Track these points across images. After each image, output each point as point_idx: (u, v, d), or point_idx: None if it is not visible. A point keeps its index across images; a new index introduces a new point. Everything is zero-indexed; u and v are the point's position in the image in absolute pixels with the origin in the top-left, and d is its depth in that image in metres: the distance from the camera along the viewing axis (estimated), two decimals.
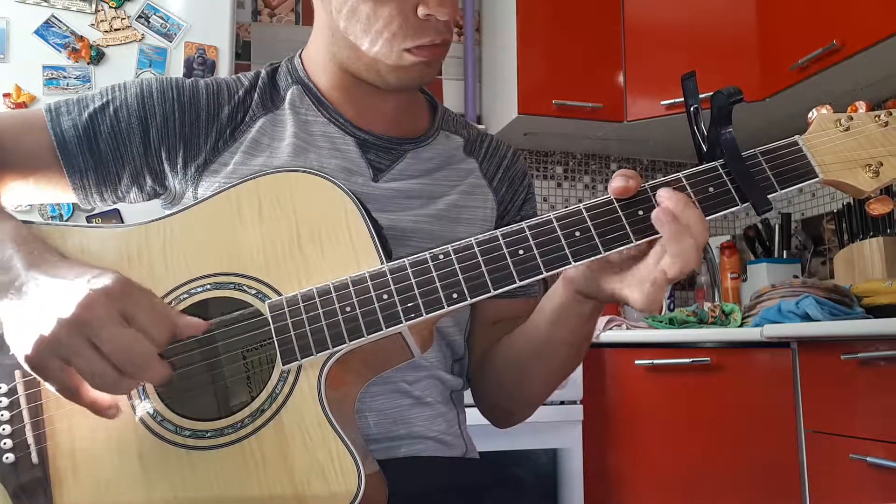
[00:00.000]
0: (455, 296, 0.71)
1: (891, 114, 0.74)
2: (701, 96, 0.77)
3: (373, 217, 0.76)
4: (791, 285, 2.16)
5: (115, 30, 2.23)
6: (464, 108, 3.16)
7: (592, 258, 0.72)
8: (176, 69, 2.26)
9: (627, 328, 2.47)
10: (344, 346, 0.71)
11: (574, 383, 2.37)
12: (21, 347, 0.67)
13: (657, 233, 0.71)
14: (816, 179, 0.73)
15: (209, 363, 0.74)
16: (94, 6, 2.23)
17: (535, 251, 0.72)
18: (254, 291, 0.75)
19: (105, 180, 0.92)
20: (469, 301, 0.71)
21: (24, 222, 0.79)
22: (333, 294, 0.72)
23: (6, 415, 0.74)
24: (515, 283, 0.71)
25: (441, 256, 0.73)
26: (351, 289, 0.72)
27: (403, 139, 0.99)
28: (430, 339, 0.78)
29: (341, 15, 0.90)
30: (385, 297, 0.72)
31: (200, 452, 0.71)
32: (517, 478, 2.29)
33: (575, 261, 0.72)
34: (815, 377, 1.86)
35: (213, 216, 0.79)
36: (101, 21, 2.23)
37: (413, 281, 0.72)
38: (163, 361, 0.68)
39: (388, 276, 0.72)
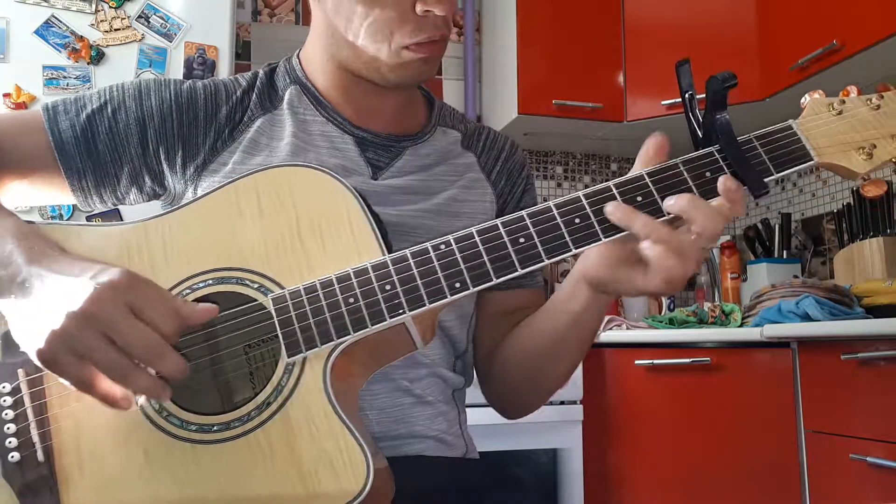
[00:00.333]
0: (458, 285, 0.72)
1: (882, 97, 0.75)
2: (700, 97, 0.77)
3: (373, 209, 0.77)
4: (791, 285, 2.16)
5: (115, 30, 2.23)
6: (464, 109, 3.17)
7: (592, 244, 0.72)
8: (176, 69, 2.26)
9: (627, 328, 2.47)
10: (349, 337, 0.71)
11: (574, 383, 2.36)
12: (32, 343, 0.67)
13: (655, 219, 0.72)
14: (811, 162, 0.74)
15: (214, 357, 0.74)
16: (94, 6, 2.23)
17: (536, 239, 0.72)
18: (256, 285, 0.75)
19: (104, 181, 0.93)
20: (472, 290, 0.72)
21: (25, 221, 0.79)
22: (336, 286, 0.73)
23: (10, 413, 0.74)
24: (517, 270, 0.72)
25: (442, 247, 0.73)
26: (353, 280, 0.73)
27: (401, 136, 0.99)
28: (433, 330, 0.78)
29: (339, 14, 0.91)
30: (388, 287, 0.72)
31: (207, 446, 0.71)
32: (517, 478, 2.29)
33: (575, 248, 0.72)
34: (815, 377, 1.86)
35: (212, 212, 0.79)
36: (101, 21, 2.23)
37: (415, 271, 0.72)
38: (176, 352, 0.68)
39: (391, 267, 0.73)
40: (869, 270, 2.30)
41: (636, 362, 2.28)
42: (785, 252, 2.79)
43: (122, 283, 0.67)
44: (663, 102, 2.73)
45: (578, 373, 2.38)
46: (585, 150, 3.32)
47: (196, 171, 0.93)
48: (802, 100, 0.77)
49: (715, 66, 2.64)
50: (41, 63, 2.18)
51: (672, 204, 0.72)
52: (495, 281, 0.72)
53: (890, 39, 2.02)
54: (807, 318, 1.92)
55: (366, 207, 0.76)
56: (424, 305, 0.71)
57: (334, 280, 0.73)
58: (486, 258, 0.72)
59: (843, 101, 0.76)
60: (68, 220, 2.10)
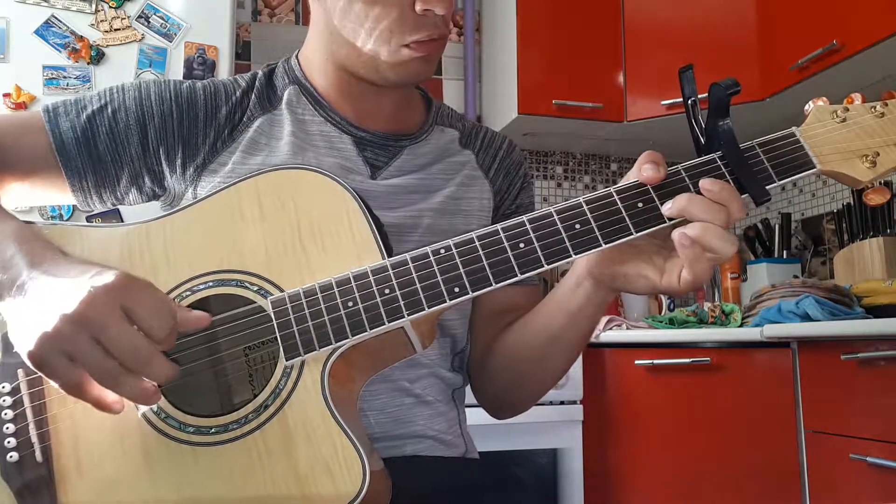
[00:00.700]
0: (457, 290, 0.72)
1: (886, 105, 0.75)
2: (700, 97, 0.77)
3: (373, 213, 0.77)
4: (791, 285, 2.16)
5: (115, 30, 2.23)
6: (464, 108, 3.17)
7: (592, 251, 0.73)
8: (176, 69, 2.26)
9: (627, 328, 2.47)
10: (347, 340, 0.71)
11: (574, 383, 2.37)
12: (24, 344, 0.67)
13: (656, 224, 0.72)
14: (814, 170, 0.74)
15: (212, 359, 0.74)
16: (94, 6, 2.23)
17: (536, 244, 0.72)
18: (256, 288, 0.75)
19: (104, 181, 0.93)
20: (471, 295, 0.72)
21: (26, 222, 0.79)
22: (335, 289, 0.73)
23: (9, 413, 0.74)
24: (517, 276, 0.72)
25: (442, 251, 0.73)
26: (353, 284, 0.73)
27: (400, 136, 0.99)
28: (432, 335, 0.78)
29: (338, 12, 0.91)
30: (387, 291, 0.72)
31: (205, 449, 0.71)
32: (517, 478, 2.30)
33: (575, 253, 0.72)
34: (815, 377, 1.86)
35: (213, 214, 0.79)
36: (101, 21, 2.23)
37: (415, 275, 0.72)
38: (166, 358, 0.68)
39: (390, 271, 0.73)
40: (869, 270, 2.30)
41: (636, 362, 2.28)
42: (785, 252, 2.79)
43: (118, 286, 0.67)
44: (663, 102, 2.73)
45: (578, 373, 2.38)
46: (585, 150, 3.32)
47: (196, 171, 0.93)
48: (806, 107, 0.77)
49: (715, 66, 2.64)
50: (41, 63, 2.18)
51: (670, 207, 0.72)
52: (495, 286, 0.72)
53: (890, 39, 2.02)
54: (807, 318, 1.92)
55: (366, 210, 0.76)
56: (424, 310, 0.72)
57: (334, 283, 0.73)
58: (485, 262, 0.72)
59: (847, 109, 0.76)
60: (68, 219, 2.11)
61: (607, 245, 0.72)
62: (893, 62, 2.16)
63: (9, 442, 0.73)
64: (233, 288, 0.75)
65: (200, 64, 2.28)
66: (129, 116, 0.92)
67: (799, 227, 2.92)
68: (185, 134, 0.93)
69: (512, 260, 0.72)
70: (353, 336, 0.71)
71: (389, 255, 0.74)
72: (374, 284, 0.72)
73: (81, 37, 2.21)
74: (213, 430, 0.71)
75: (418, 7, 0.88)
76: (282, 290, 0.74)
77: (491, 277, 0.72)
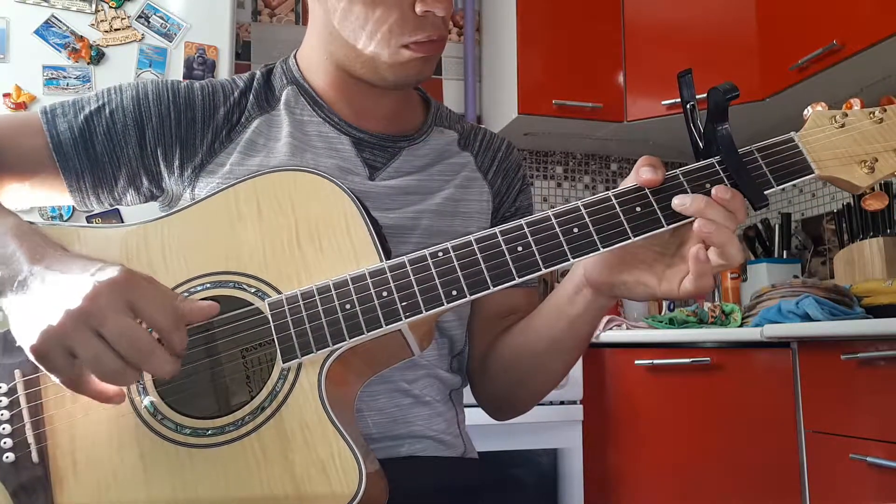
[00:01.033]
0: (455, 293, 0.72)
1: (885, 110, 0.75)
2: (699, 97, 0.77)
3: (371, 215, 0.77)
4: (791, 285, 2.16)
5: (115, 30, 2.23)
6: (464, 109, 3.16)
7: (590, 254, 0.73)
8: (176, 69, 2.26)
9: (627, 328, 2.47)
10: (344, 343, 0.71)
11: (574, 383, 2.37)
12: (27, 339, 0.67)
13: (655, 228, 0.72)
14: (812, 175, 0.74)
15: (210, 361, 0.74)
16: (94, 6, 2.23)
17: (534, 248, 0.73)
18: (253, 290, 0.75)
19: (101, 182, 0.93)
20: (469, 298, 0.72)
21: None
22: (333, 292, 0.73)
23: (6, 414, 0.74)
24: (514, 279, 0.72)
25: (440, 254, 0.73)
26: (351, 286, 0.73)
27: (398, 136, 0.99)
28: (430, 338, 0.78)
29: (339, 13, 0.91)
30: (385, 294, 0.72)
31: (201, 450, 0.71)
32: (517, 478, 2.30)
33: (573, 257, 0.72)
34: (815, 377, 1.86)
35: (211, 215, 0.79)
36: (101, 21, 2.23)
37: (413, 278, 0.72)
38: (167, 352, 0.68)
39: (388, 274, 0.73)
40: (869, 270, 2.30)
41: (636, 362, 2.28)
42: (785, 252, 2.79)
43: (121, 281, 0.67)
44: (663, 102, 2.73)
45: (578, 373, 2.38)
46: (585, 150, 3.31)
47: (194, 172, 0.93)
48: (805, 112, 0.77)
49: (715, 66, 2.63)
50: (41, 63, 2.18)
51: (686, 204, 0.72)
52: (492, 290, 0.72)
53: (890, 39, 2.02)
54: (807, 318, 1.92)
55: (364, 213, 0.76)
56: (421, 313, 0.72)
57: (331, 286, 0.73)
58: (483, 266, 0.72)
59: (846, 114, 0.76)
60: (68, 220, 2.11)
61: (605, 249, 0.72)
62: (893, 62, 2.16)
63: (5, 443, 0.73)
64: (230, 290, 0.75)
65: (200, 64, 2.28)
66: (126, 117, 0.92)
67: (799, 227, 2.92)
68: (183, 134, 0.93)
69: (510, 263, 0.72)
70: (350, 338, 0.71)
71: (388, 257, 0.74)
72: (371, 287, 0.72)
73: (81, 37, 2.21)
74: (209, 432, 0.71)
75: (418, 8, 0.88)
76: (279, 292, 0.74)
77: (489, 281, 0.72)
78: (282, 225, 0.77)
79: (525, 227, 0.73)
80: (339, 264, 0.74)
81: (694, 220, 0.72)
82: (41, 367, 0.67)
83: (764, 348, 2.01)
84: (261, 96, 0.98)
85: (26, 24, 2.17)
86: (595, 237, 0.72)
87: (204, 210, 0.80)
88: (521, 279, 0.72)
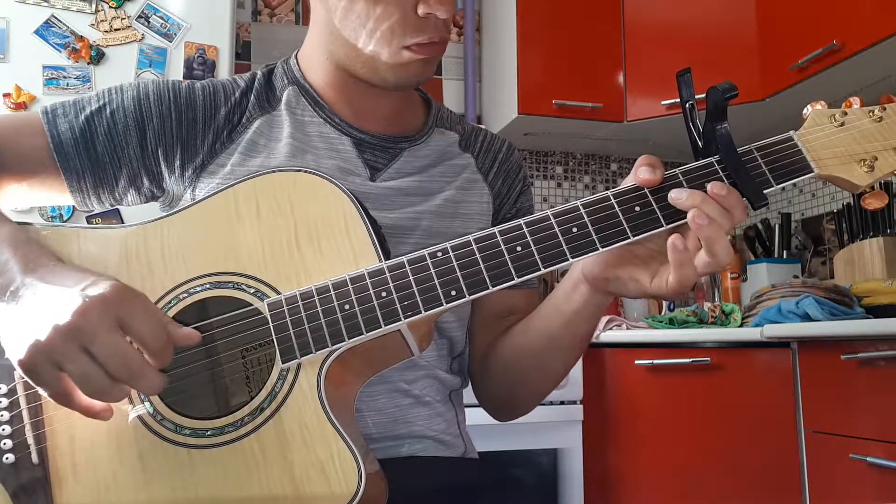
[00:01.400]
0: (454, 293, 0.72)
1: (885, 109, 0.75)
2: (698, 97, 0.77)
3: (371, 216, 0.77)
4: (791, 285, 2.16)
5: (115, 30, 2.23)
6: (464, 109, 3.16)
7: (589, 254, 0.72)
8: (176, 69, 2.26)
9: (627, 328, 2.47)
10: (343, 343, 0.71)
11: (574, 383, 2.37)
12: (15, 352, 0.67)
13: (654, 228, 0.72)
14: (811, 174, 0.74)
15: (209, 362, 0.74)
16: (94, 6, 2.23)
17: (533, 248, 0.72)
18: (252, 290, 0.75)
19: (102, 182, 0.93)
20: (468, 298, 0.72)
21: (21, 223, 0.80)
22: (332, 292, 0.73)
23: (6, 415, 0.74)
24: (513, 279, 0.72)
25: (439, 254, 0.73)
26: (350, 287, 0.73)
27: (399, 137, 0.99)
28: (429, 338, 0.78)
29: (340, 12, 0.91)
30: (384, 294, 0.72)
31: (200, 451, 0.71)
32: (517, 478, 2.30)
33: (572, 257, 0.72)
34: (815, 377, 1.86)
35: (211, 216, 0.79)
36: (101, 21, 2.23)
37: (412, 279, 0.72)
38: (156, 370, 0.68)
39: (387, 274, 0.73)
40: (869, 270, 2.30)
41: (636, 362, 2.28)
42: (785, 252, 2.79)
43: (112, 298, 0.66)
44: (663, 102, 2.73)
45: (578, 373, 2.38)
46: (585, 150, 3.31)
47: (194, 172, 0.93)
48: (805, 111, 0.77)
49: (715, 66, 2.63)
50: (41, 63, 2.18)
51: (683, 199, 0.71)
52: (492, 290, 0.72)
53: (890, 39, 2.02)
54: (807, 318, 1.92)
55: (364, 213, 0.76)
56: (420, 313, 0.71)
57: (330, 286, 0.73)
58: (482, 266, 0.72)
59: (846, 113, 0.75)
60: (68, 220, 2.11)
61: (604, 249, 0.72)
62: (893, 62, 2.16)
63: (5, 443, 0.73)
64: (229, 290, 0.75)
65: (200, 64, 2.28)
66: (127, 117, 0.92)
67: (799, 227, 2.92)
68: (184, 135, 0.93)
69: (509, 263, 0.72)
70: (349, 339, 0.71)
71: (387, 258, 0.74)
72: (370, 287, 0.72)
73: (81, 37, 2.21)
74: (208, 433, 0.71)
75: (420, 10, 0.88)
76: (278, 293, 0.74)
77: (488, 281, 0.72)
78: (281, 225, 0.77)
79: (524, 226, 0.73)
80: (338, 265, 0.74)
81: (702, 206, 0.71)
82: (31, 382, 0.67)
83: (764, 348, 2.01)
84: (262, 97, 0.98)
85: (26, 24, 2.17)
86: (594, 237, 0.72)
87: (203, 210, 0.80)
88: (520, 279, 0.72)
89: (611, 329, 2.46)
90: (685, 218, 0.72)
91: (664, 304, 2.84)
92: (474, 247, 0.73)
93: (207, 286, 0.76)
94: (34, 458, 0.72)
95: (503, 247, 0.73)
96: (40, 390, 0.67)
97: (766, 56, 2.51)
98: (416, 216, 0.95)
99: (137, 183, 0.94)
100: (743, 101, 2.46)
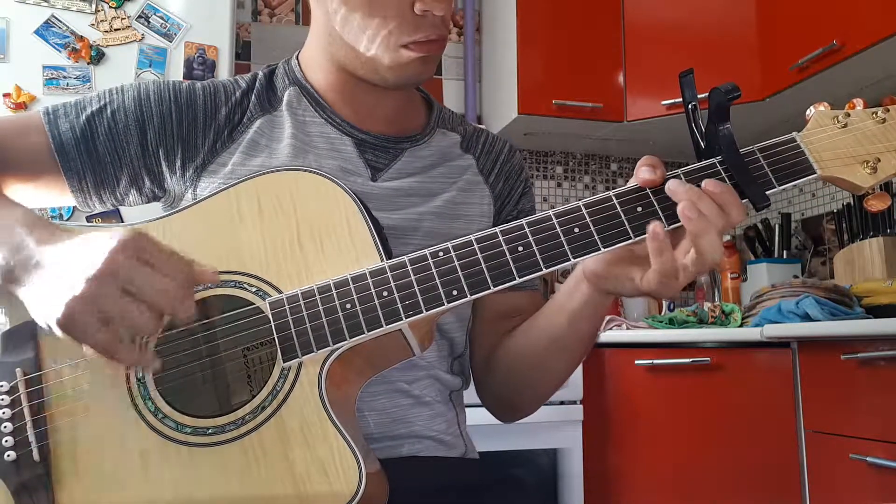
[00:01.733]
0: (455, 292, 0.72)
1: (888, 110, 0.75)
2: (700, 96, 0.77)
3: (372, 215, 0.77)
4: (791, 285, 2.16)
5: (115, 30, 2.23)
6: (464, 108, 3.16)
7: (591, 254, 0.73)
8: (176, 69, 2.26)
9: (627, 328, 2.47)
10: (344, 342, 0.71)
11: (574, 383, 2.37)
12: (52, 314, 0.67)
13: None
14: (814, 176, 0.74)
15: (210, 360, 0.74)
16: (94, 6, 2.23)
17: (535, 248, 0.73)
18: (254, 289, 0.75)
19: (103, 182, 0.93)
20: (469, 298, 0.72)
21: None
22: (334, 291, 0.73)
23: (7, 412, 0.74)
24: (515, 279, 0.72)
25: (441, 254, 0.73)
26: (351, 286, 0.73)
27: (401, 138, 0.99)
28: (430, 338, 0.78)
29: (338, 14, 0.91)
30: (385, 293, 0.72)
31: (201, 449, 0.71)
32: (517, 478, 2.30)
33: (574, 257, 0.72)
34: (815, 377, 1.86)
35: (212, 215, 0.79)
36: (101, 21, 2.23)
37: (413, 278, 0.72)
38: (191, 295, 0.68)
39: (389, 274, 0.73)
40: (869, 270, 2.30)
41: (636, 362, 2.28)
42: (785, 252, 2.79)
43: (131, 241, 0.67)
44: (663, 102, 2.73)
45: (578, 373, 2.38)
46: (585, 150, 3.31)
47: (195, 172, 0.93)
48: (808, 112, 0.77)
49: (715, 66, 2.63)
50: (41, 63, 2.18)
51: (680, 191, 0.72)
52: (493, 289, 0.72)
53: (890, 39, 2.02)
54: (807, 318, 1.92)
55: (365, 213, 0.76)
56: (422, 312, 0.72)
57: (332, 285, 0.73)
58: (484, 266, 0.72)
59: (849, 114, 0.75)
60: (68, 219, 2.11)
61: (606, 249, 0.72)
62: (893, 62, 2.16)
63: (6, 441, 0.73)
64: (231, 289, 0.76)
65: (200, 64, 2.28)
66: (128, 117, 0.92)
67: (799, 227, 2.92)
68: (185, 134, 0.93)
69: (510, 263, 0.72)
70: (350, 338, 0.71)
71: (388, 258, 0.74)
72: (372, 286, 0.72)
73: (81, 37, 2.20)
74: (210, 431, 0.71)
75: (417, 8, 0.88)
76: (280, 292, 0.74)
77: (489, 280, 0.72)
78: (283, 224, 0.77)
79: (526, 226, 0.74)
80: (339, 264, 0.74)
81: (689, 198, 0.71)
82: (73, 339, 0.67)
83: (764, 348, 2.01)
84: (263, 97, 0.98)
85: (26, 24, 2.17)
86: (596, 237, 0.72)
87: (205, 210, 0.80)
88: (521, 279, 0.72)
89: (611, 329, 2.46)
90: None
91: (664, 303, 2.84)
92: (476, 246, 0.73)
93: (209, 285, 0.76)
94: (35, 455, 0.73)
95: (505, 247, 0.73)
96: (86, 348, 0.67)
97: (767, 56, 2.51)
98: (418, 217, 0.95)
99: (139, 183, 0.94)
100: (743, 101, 2.45)
